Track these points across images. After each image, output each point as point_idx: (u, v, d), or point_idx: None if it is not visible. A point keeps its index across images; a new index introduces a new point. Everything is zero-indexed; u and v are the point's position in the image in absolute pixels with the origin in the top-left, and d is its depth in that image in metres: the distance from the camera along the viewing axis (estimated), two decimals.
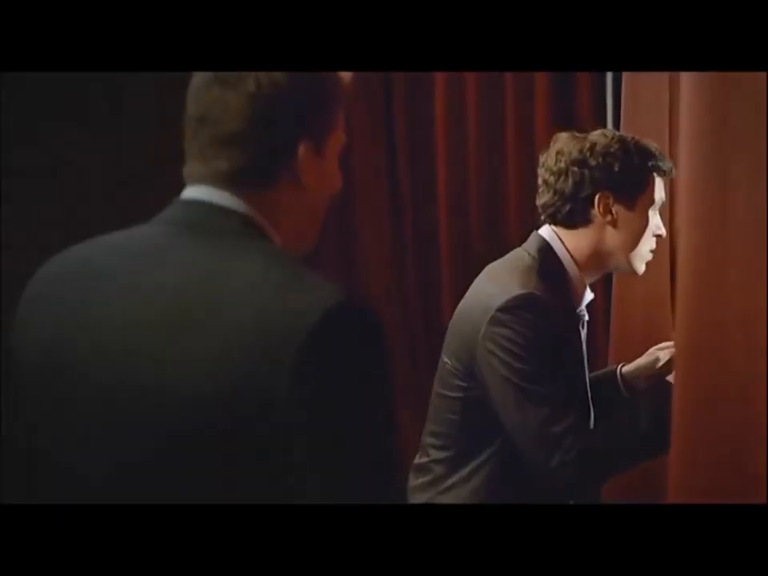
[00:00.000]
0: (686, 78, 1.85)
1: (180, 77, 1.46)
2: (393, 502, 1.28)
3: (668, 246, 2.51)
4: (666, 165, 2.34)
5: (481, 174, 3.42)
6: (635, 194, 2.31)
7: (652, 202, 2.33)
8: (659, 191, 2.34)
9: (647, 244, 2.34)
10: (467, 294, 2.37)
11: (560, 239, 2.33)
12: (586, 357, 2.39)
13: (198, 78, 1.42)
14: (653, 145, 2.36)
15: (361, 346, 1.27)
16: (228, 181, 1.38)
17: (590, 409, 2.32)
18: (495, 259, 2.45)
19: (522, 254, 2.33)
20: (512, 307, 2.17)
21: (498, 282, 2.28)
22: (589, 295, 2.39)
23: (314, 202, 1.46)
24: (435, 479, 2.33)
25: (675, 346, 1.96)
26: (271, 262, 1.33)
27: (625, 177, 2.29)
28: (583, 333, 2.38)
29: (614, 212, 2.30)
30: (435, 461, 2.34)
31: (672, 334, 2.53)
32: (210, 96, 1.38)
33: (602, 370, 2.62)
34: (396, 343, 3.55)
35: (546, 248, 2.32)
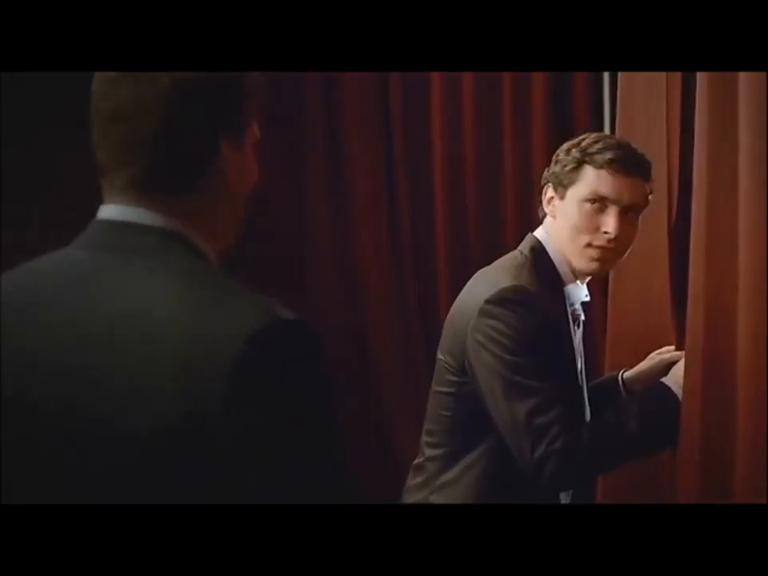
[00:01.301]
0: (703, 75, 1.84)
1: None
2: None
3: (666, 249, 2.50)
4: (603, 156, 2.27)
5: (478, 176, 3.41)
6: (566, 186, 2.30)
7: (585, 194, 2.28)
8: (597, 185, 2.27)
9: (582, 238, 2.28)
10: (461, 293, 2.38)
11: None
12: (582, 357, 2.39)
13: (105, 73, 1.34)
14: (598, 138, 2.33)
15: (292, 362, 1.20)
16: (143, 190, 1.31)
17: (583, 409, 2.31)
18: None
19: (515, 254, 2.35)
20: (501, 299, 2.19)
21: (489, 278, 2.29)
22: (582, 293, 2.38)
23: (236, 199, 1.40)
24: (428, 478, 2.34)
25: (686, 349, 1.95)
26: (190, 283, 1.26)
27: (558, 169, 2.32)
28: (578, 332, 2.38)
29: (553, 204, 2.32)
30: (429, 458, 2.35)
31: (673, 337, 2.53)
32: (123, 91, 1.30)
33: (604, 376, 2.62)
34: (395, 349, 3.56)
35: (537, 246, 2.32)
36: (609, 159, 2.26)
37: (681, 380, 2.18)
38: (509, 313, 2.17)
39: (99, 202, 1.39)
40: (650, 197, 2.34)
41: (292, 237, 3.55)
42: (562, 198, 2.30)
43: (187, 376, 1.18)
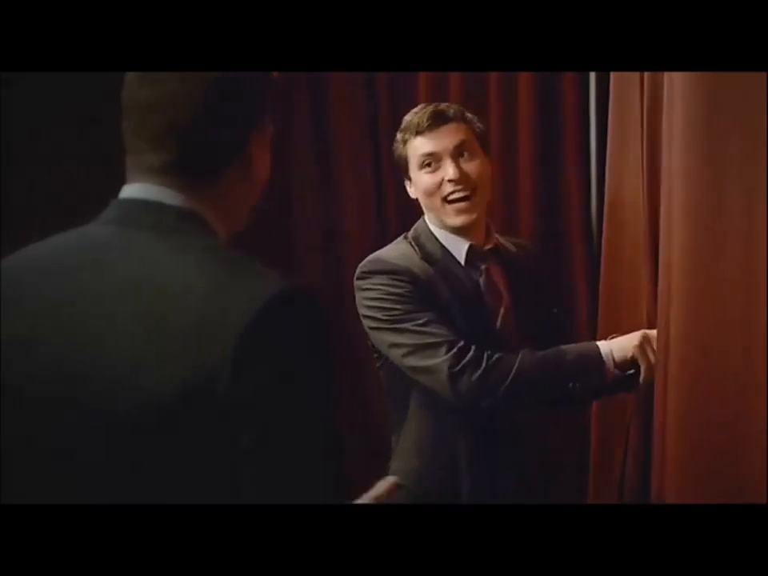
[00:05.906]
0: (678, 74, 1.84)
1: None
2: (336, 493, 1.29)
3: (647, 243, 2.50)
4: (411, 128, 2.54)
5: None
6: (405, 168, 2.58)
7: (417, 162, 2.53)
8: (421, 149, 2.53)
9: (437, 197, 2.51)
10: None
11: None
12: (486, 302, 2.51)
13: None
14: (406, 119, 2.60)
15: (299, 335, 1.28)
16: (170, 173, 1.40)
17: (499, 347, 2.40)
18: None
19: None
20: (361, 273, 2.47)
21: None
22: (465, 246, 2.52)
23: (254, 191, 1.50)
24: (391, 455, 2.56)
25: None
26: (207, 258, 1.33)
27: (395, 160, 2.63)
28: (482, 280, 2.51)
29: (409, 189, 2.61)
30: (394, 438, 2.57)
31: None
32: (166, 83, 1.39)
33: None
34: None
35: (421, 221, 2.59)
36: (415, 126, 2.53)
37: (613, 346, 2.37)
38: (368, 283, 2.43)
39: (101, 201, 1.42)
40: (476, 129, 2.59)
41: (279, 243, 3.53)
42: (409, 179, 2.57)
43: (198, 343, 1.24)
